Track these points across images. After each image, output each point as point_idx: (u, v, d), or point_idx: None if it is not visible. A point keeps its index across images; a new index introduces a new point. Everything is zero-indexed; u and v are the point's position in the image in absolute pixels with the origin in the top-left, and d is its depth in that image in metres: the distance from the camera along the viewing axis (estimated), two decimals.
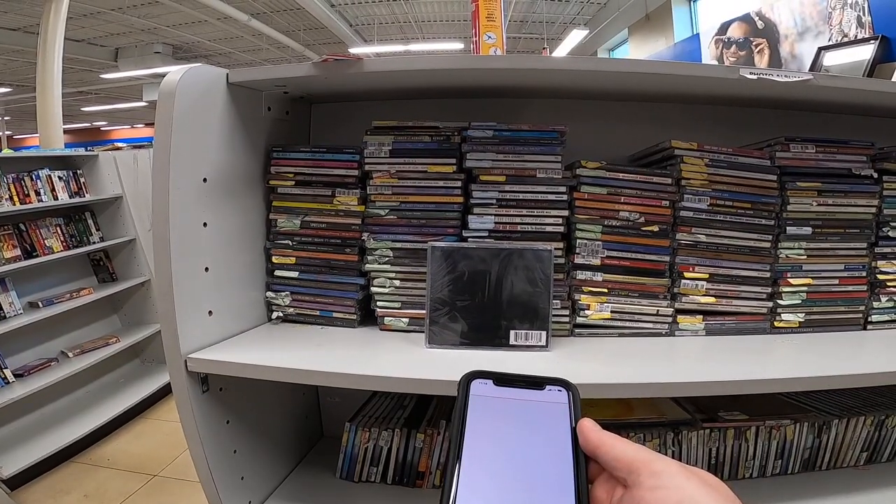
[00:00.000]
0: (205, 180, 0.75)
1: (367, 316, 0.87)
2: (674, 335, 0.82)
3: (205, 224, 0.76)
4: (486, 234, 0.80)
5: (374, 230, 0.83)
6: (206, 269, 0.76)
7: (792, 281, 0.83)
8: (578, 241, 0.80)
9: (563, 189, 0.80)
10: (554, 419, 0.35)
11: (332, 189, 0.85)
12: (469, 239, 0.80)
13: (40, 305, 2.62)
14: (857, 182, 0.83)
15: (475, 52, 0.95)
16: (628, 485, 0.31)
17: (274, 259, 0.87)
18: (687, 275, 0.81)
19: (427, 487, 0.90)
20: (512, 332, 0.72)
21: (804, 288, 0.83)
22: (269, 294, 0.88)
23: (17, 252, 2.57)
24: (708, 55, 4.34)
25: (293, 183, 0.86)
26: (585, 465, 0.33)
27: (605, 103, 1.01)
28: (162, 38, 9.07)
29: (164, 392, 3.11)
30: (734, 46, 3.99)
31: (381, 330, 0.85)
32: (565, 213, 0.80)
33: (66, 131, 6.05)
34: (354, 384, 0.66)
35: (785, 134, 0.84)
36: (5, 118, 13.56)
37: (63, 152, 3.24)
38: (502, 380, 0.36)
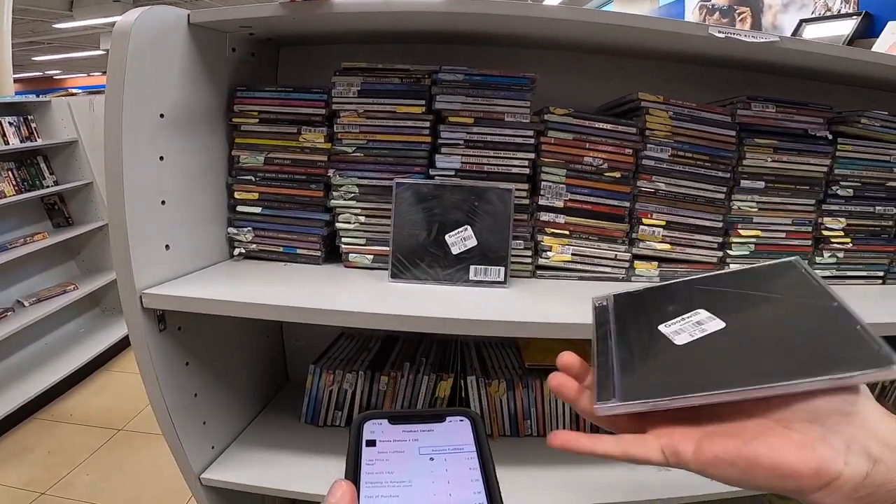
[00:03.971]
0: (161, 116, 0.73)
1: (332, 253, 0.87)
2: (630, 280, 0.86)
3: (161, 158, 0.74)
4: (452, 173, 0.80)
5: (340, 167, 0.82)
6: (163, 202, 0.74)
7: (742, 232, 0.87)
8: (543, 183, 0.81)
9: (530, 133, 0.80)
10: (458, 451, 0.33)
11: (297, 127, 0.83)
12: (435, 177, 0.80)
13: None
14: (812, 142, 0.86)
15: None
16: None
17: (236, 195, 0.85)
18: (645, 221, 0.84)
19: None
20: (472, 268, 0.74)
21: (753, 239, 0.87)
22: (231, 230, 0.86)
23: None
24: (691, 20, 4.34)
25: (257, 121, 0.84)
26: (499, 495, 0.31)
27: (577, 56, 1.01)
28: None
29: (126, 343, 3.04)
30: (717, 13, 3.98)
31: (345, 267, 0.85)
32: (531, 155, 0.81)
33: (15, 80, 5.71)
34: (316, 319, 0.67)
35: (750, 94, 0.86)
36: None
37: (12, 99, 3.09)
38: (397, 418, 0.35)
